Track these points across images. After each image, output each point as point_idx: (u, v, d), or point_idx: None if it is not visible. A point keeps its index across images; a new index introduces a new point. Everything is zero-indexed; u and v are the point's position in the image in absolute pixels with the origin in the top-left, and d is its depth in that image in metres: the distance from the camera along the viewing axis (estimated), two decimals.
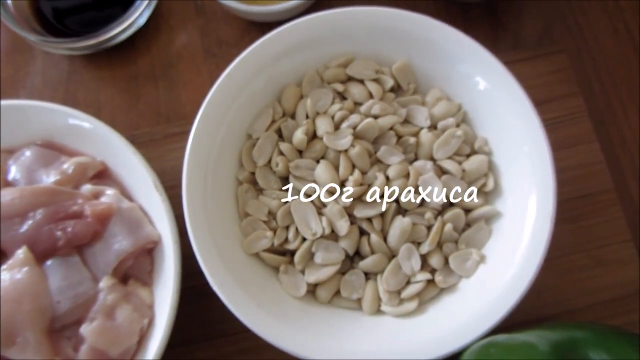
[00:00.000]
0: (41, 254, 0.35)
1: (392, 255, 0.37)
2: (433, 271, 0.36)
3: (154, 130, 0.44)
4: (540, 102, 0.42)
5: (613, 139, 0.45)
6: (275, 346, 0.33)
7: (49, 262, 0.35)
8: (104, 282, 0.35)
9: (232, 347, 0.40)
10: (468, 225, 0.37)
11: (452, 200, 0.37)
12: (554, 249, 0.41)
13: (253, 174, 0.38)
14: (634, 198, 0.44)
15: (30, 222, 0.35)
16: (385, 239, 0.36)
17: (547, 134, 0.36)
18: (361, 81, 0.39)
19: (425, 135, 0.38)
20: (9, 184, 0.38)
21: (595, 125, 0.45)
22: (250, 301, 0.34)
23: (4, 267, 0.35)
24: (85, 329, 0.34)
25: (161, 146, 0.43)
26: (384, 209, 0.36)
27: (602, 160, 0.44)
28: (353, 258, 0.37)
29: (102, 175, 0.39)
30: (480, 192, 0.38)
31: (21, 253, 0.35)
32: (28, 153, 0.38)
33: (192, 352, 0.39)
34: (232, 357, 0.39)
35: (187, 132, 0.36)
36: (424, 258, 0.36)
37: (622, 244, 0.42)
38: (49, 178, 0.37)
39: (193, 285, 0.40)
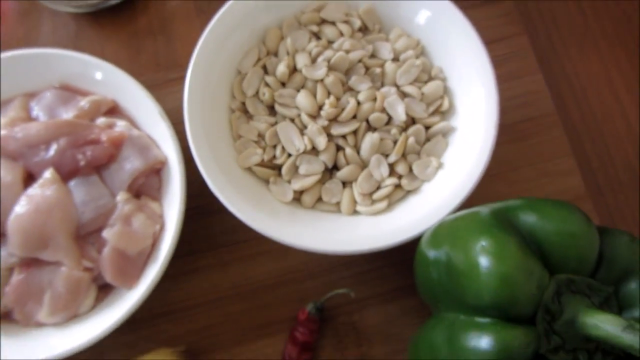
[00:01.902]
0: (65, 175, 0.41)
1: (364, 166, 0.43)
2: (400, 177, 0.43)
3: (155, 76, 0.50)
4: (490, 41, 0.48)
5: (555, 71, 0.52)
6: (268, 237, 0.39)
7: (72, 182, 0.41)
8: (120, 196, 0.41)
9: (232, 255, 0.46)
10: (428, 139, 0.44)
11: (414, 118, 0.44)
12: (504, 164, 0.49)
13: (243, 103, 0.44)
14: (574, 119, 0.51)
15: (54, 147, 0.41)
16: (358, 153, 0.43)
17: (497, 68, 0.42)
18: (333, 23, 0.46)
19: (389, 66, 0.44)
20: (32, 121, 0.44)
21: (538, 60, 0.52)
22: (246, 204, 0.40)
23: (35, 185, 0.41)
24: (107, 233, 0.40)
25: (162, 90, 0.49)
26: (356, 127, 0.42)
27: (545, 89, 0.51)
28: (332, 171, 0.44)
29: (114, 111, 0.45)
30: (437, 111, 0.44)
31: (49, 174, 0.41)
32: (48, 94, 0.44)
33: (197, 260, 0.46)
34: (232, 264, 0.46)
35: (185, 78, 0.42)
36: (392, 167, 0.43)
37: (563, 158, 0.49)
38: (68, 114, 0.43)
39: (196, 206, 0.46)
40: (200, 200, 0.47)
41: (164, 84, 0.50)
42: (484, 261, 0.31)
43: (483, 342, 0.30)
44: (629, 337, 0.29)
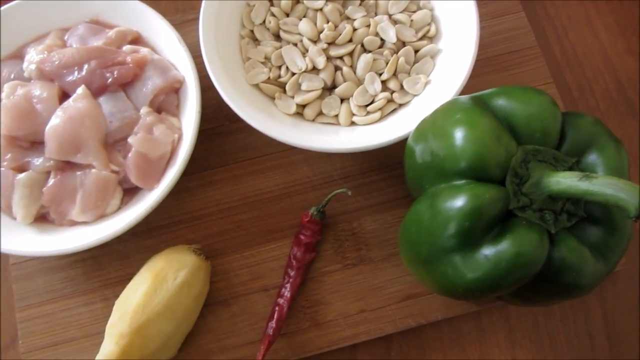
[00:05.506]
0: (95, 91, 0.47)
1: (359, 83, 0.48)
2: (392, 92, 0.48)
3: (174, 17, 0.55)
4: None
5: (537, 11, 0.57)
6: (276, 139, 0.44)
7: (101, 98, 0.47)
8: (143, 110, 0.47)
9: (242, 170, 0.51)
10: (417, 60, 0.49)
11: (404, 41, 0.49)
12: None
13: (252, 31, 0.50)
14: (555, 53, 0.55)
15: (86, 68, 0.47)
16: (354, 72, 0.48)
17: (482, 7, 0.47)
18: None
19: None
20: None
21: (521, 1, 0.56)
22: (257, 113, 0.45)
23: (69, 100, 0.46)
24: (131, 139, 0.45)
25: (181, 29, 0.53)
26: (352, 48, 0.47)
27: (527, 25, 0.55)
28: (330, 91, 0.49)
29: (137, 41, 0.50)
30: (425, 36, 0.49)
31: (81, 89, 0.46)
32: (80, 27, 0.50)
33: (211, 175, 0.51)
34: (242, 178, 0.50)
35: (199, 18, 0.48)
36: (384, 84, 0.48)
37: (546, 85, 0.53)
38: (97, 42, 0.49)
39: (210, 128, 0.52)
40: (213, 123, 0.52)
41: (182, 24, 0.55)
42: (458, 130, 0.36)
43: (459, 199, 0.35)
44: (584, 184, 0.33)
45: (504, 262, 0.34)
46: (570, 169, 0.36)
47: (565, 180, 0.34)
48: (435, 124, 0.38)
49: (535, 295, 0.37)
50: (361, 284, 0.48)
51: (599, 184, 0.32)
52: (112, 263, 0.48)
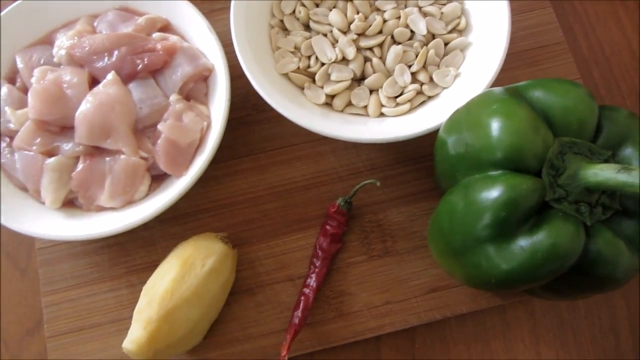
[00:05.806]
0: (125, 77, 0.47)
1: (389, 75, 0.48)
2: (421, 85, 0.48)
3: (201, 6, 0.55)
4: None
5: (565, 8, 0.57)
6: (305, 128, 0.44)
7: (131, 84, 0.47)
8: (173, 97, 0.47)
9: (268, 160, 0.51)
10: (447, 53, 0.49)
11: (434, 34, 0.48)
12: None
13: (282, 21, 0.50)
14: (582, 49, 0.55)
15: (116, 54, 0.47)
16: (384, 63, 0.48)
17: (511, 2, 0.46)
18: None
19: None
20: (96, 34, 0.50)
21: None
22: (286, 102, 0.45)
23: (99, 86, 0.46)
24: (161, 126, 0.46)
25: (208, 19, 0.54)
26: (381, 40, 0.47)
27: (555, 20, 0.55)
28: (359, 82, 0.49)
29: (166, 29, 0.50)
30: (455, 29, 0.49)
31: (111, 75, 0.46)
32: (109, 14, 0.50)
33: (238, 164, 0.51)
34: (268, 167, 0.50)
35: (228, 7, 0.47)
36: (414, 76, 0.48)
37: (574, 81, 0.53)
38: (127, 29, 0.49)
39: (237, 117, 0.52)
40: (240, 112, 0.52)
41: (210, 13, 0.55)
42: (495, 121, 0.35)
43: (495, 189, 0.35)
44: (623, 176, 0.33)
45: (540, 253, 0.34)
46: (606, 161, 0.36)
47: (603, 173, 0.34)
48: (469, 115, 0.38)
49: (568, 288, 0.37)
50: (386, 276, 0.47)
51: (638, 176, 0.32)
52: (137, 250, 0.48)
